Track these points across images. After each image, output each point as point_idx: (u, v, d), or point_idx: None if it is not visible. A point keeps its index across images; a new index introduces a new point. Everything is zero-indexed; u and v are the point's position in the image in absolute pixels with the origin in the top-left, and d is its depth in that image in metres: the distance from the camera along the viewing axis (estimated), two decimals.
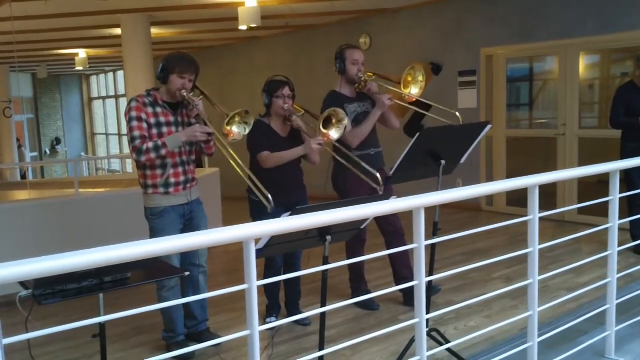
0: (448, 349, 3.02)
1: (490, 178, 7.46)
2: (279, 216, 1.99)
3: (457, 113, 3.77)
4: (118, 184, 8.40)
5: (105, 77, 17.45)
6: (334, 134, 3.66)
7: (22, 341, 1.53)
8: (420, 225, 2.18)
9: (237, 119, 3.34)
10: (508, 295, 4.03)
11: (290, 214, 2.02)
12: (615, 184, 2.94)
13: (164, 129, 3.39)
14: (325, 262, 2.35)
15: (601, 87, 7.10)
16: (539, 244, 2.60)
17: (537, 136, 7.50)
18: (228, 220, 5.90)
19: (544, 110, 7.53)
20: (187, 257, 3.56)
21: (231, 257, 5.80)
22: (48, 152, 17.75)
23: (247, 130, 3.38)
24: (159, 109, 3.41)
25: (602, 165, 2.93)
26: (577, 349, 2.88)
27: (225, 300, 4.09)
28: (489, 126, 3.32)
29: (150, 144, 3.29)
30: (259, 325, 1.83)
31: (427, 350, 2.28)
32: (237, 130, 3.36)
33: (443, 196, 2.31)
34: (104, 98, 17.87)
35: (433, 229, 3.15)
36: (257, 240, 1.94)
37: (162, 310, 3.53)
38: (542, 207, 2.58)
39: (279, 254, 3.71)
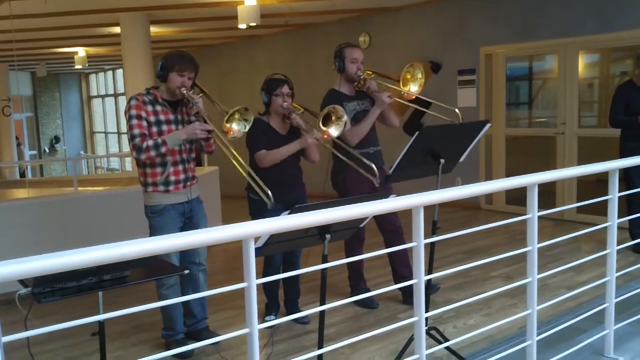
0: (447, 348, 3.02)
1: (489, 177, 7.47)
2: (278, 215, 1.99)
3: (457, 110, 3.77)
4: (117, 183, 8.40)
5: (104, 76, 17.44)
6: (333, 131, 3.66)
7: (21, 339, 1.53)
8: (419, 223, 2.18)
9: (236, 116, 3.34)
10: (507, 294, 4.04)
11: (289, 213, 2.03)
12: (614, 183, 2.94)
13: (164, 127, 3.39)
14: (324, 261, 2.35)
15: (601, 86, 7.10)
16: (538, 243, 2.60)
17: (536, 135, 7.50)
18: (227, 219, 5.91)
19: (544, 109, 7.54)
20: (187, 256, 3.56)
21: (231, 255, 5.80)
22: (47, 150, 17.74)
23: (247, 128, 3.38)
24: (159, 107, 3.41)
25: (601, 165, 2.93)
26: (577, 347, 2.88)
27: (225, 298, 4.10)
28: (488, 125, 3.32)
29: (150, 142, 3.29)
30: (259, 324, 1.83)
31: (426, 349, 2.28)
32: (237, 127, 3.35)
33: (442, 195, 2.31)
34: (103, 97, 17.86)
35: (432, 228, 3.15)
36: (256, 239, 1.94)
37: (162, 308, 3.54)
38: (542, 206, 2.59)
39: (278, 252, 3.72)
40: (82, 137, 18.53)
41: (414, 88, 3.96)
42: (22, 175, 13.38)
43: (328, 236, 2.37)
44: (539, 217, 2.59)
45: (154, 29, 8.56)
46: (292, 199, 3.60)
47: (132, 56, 8.01)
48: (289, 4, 7.66)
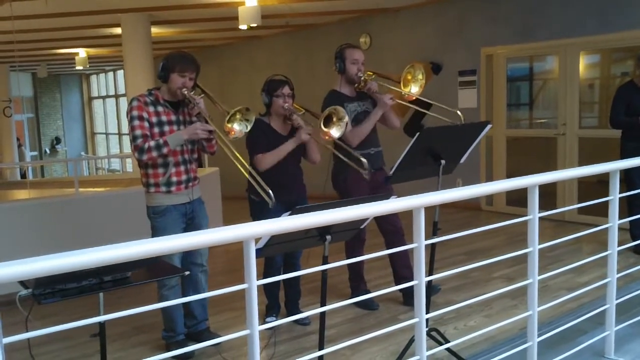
0: (448, 349, 3.02)
1: (490, 178, 7.46)
2: (279, 216, 1.99)
3: (459, 112, 3.76)
4: (118, 184, 8.40)
5: (105, 77, 17.46)
6: (335, 132, 3.66)
7: (22, 340, 1.53)
8: (420, 225, 2.18)
9: (238, 116, 3.34)
10: (508, 295, 4.03)
11: (290, 214, 2.03)
12: (615, 184, 2.94)
13: (166, 128, 3.40)
14: (325, 262, 2.35)
15: (601, 86, 7.09)
16: (539, 244, 2.60)
17: (537, 136, 7.50)
18: (228, 220, 5.91)
19: (544, 110, 7.53)
20: (188, 257, 3.56)
21: (231, 256, 5.80)
22: (48, 151, 17.75)
23: (249, 128, 3.38)
24: (160, 108, 3.41)
25: (602, 165, 2.93)
26: (577, 349, 2.88)
27: (226, 299, 4.09)
28: (489, 126, 3.32)
29: (152, 143, 3.29)
30: (259, 325, 1.83)
31: (427, 350, 2.28)
32: (238, 127, 3.36)
33: (443, 196, 2.31)
34: (104, 98, 17.87)
35: (433, 229, 3.15)
36: (257, 240, 1.94)
37: (162, 309, 3.54)
38: (542, 207, 2.59)
39: (279, 253, 3.72)
40: (83, 138, 18.55)
41: (414, 89, 3.96)
42: (23, 176, 13.38)
43: (328, 237, 2.37)
44: (540, 218, 2.59)
45: (154, 30, 8.56)
46: (293, 200, 3.60)
47: (133, 57, 8.02)
48: (290, 5, 7.67)
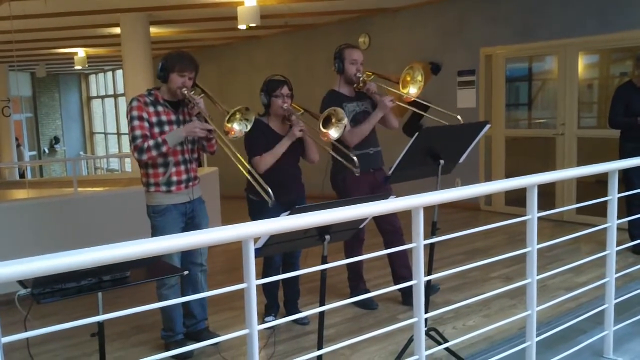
0: (447, 349, 3.02)
1: (489, 178, 7.47)
2: (278, 215, 1.99)
3: (459, 117, 3.75)
4: (117, 183, 8.41)
5: (104, 77, 17.45)
6: (333, 133, 3.67)
7: (21, 340, 1.53)
8: (419, 224, 2.18)
9: (238, 116, 3.34)
10: (507, 295, 4.04)
11: (289, 214, 2.03)
12: (614, 184, 2.94)
13: (166, 128, 3.39)
14: (324, 262, 2.35)
15: (600, 87, 7.10)
16: (538, 244, 2.60)
17: (536, 136, 7.51)
18: (227, 220, 5.88)
19: (543, 110, 7.54)
20: (188, 256, 3.57)
21: (231, 256, 5.80)
22: (47, 151, 17.74)
23: (249, 127, 3.38)
24: (160, 108, 3.41)
25: (600, 166, 2.93)
26: (576, 348, 2.88)
27: (225, 299, 4.09)
28: (488, 126, 3.32)
29: (151, 142, 3.29)
30: (258, 325, 1.83)
31: (425, 350, 2.28)
32: (238, 127, 3.35)
33: (442, 196, 2.31)
34: (103, 97, 17.86)
35: (432, 229, 3.15)
36: (256, 240, 1.94)
37: (161, 309, 3.54)
38: (541, 207, 2.59)
39: (278, 253, 3.72)
40: (81, 137, 18.53)
41: (413, 90, 3.96)
42: (22, 175, 13.38)
43: (328, 237, 2.37)
44: (539, 218, 2.59)
45: (154, 30, 8.56)
46: (292, 200, 3.60)
47: (132, 57, 8.01)
48: (289, 5, 7.67)
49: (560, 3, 6.61)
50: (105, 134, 17.95)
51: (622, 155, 5.08)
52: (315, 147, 3.84)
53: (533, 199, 2.57)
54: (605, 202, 2.97)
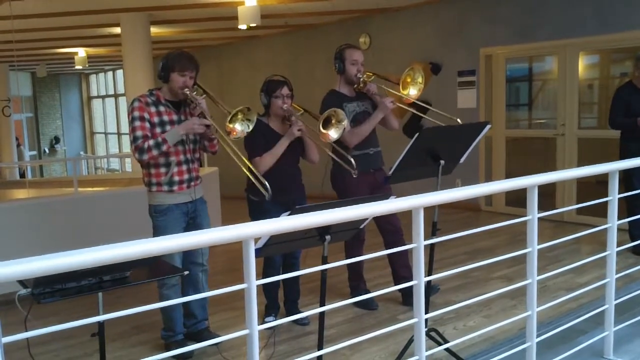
0: (447, 349, 3.02)
1: (489, 178, 7.47)
2: (278, 216, 1.99)
3: (458, 119, 3.75)
4: (117, 183, 8.40)
5: (104, 77, 17.45)
6: (333, 133, 3.67)
7: (21, 340, 1.53)
8: (419, 225, 2.18)
9: (239, 116, 3.34)
10: (507, 295, 4.03)
11: (289, 214, 2.03)
12: (614, 184, 2.94)
13: (168, 128, 3.39)
14: (324, 262, 2.35)
15: (601, 87, 7.10)
16: (538, 245, 2.60)
17: (536, 136, 7.50)
18: (227, 220, 5.87)
19: (544, 110, 7.54)
20: (189, 256, 3.57)
21: (231, 256, 5.79)
22: (47, 151, 17.74)
23: (251, 127, 3.38)
24: (162, 108, 3.42)
25: (601, 166, 2.93)
26: (576, 349, 2.88)
27: (225, 299, 4.09)
28: (488, 126, 3.32)
29: (151, 142, 3.30)
30: (258, 325, 1.83)
31: (426, 350, 2.28)
32: (240, 127, 3.36)
33: (442, 196, 2.31)
34: (103, 97, 17.86)
35: (432, 229, 3.15)
36: (256, 240, 1.94)
37: (162, 309, 3.54)
38: (542, 208, 2.58)
39: (278, 253, 3.71)
40: (82, 137, 18.54)
41: (413, 92, 3.95)
42: (22, 175, 13.38)
43: (328, 237, 2.37)
44: (539, 219, 2.59)
45: (154, 30, 8.56)
46: (292, 200, 3.60)
47: (132, 57, 8.01)
48: (289, 5, 7.67)
49: (560, 3, 6.60)
50: (106, 133, 17.95)
51: (623, 156, 5.08)
52: (315, 147, 3.84)
53: (533, 200, 2.57)
54: (606, 202, 2.97)
